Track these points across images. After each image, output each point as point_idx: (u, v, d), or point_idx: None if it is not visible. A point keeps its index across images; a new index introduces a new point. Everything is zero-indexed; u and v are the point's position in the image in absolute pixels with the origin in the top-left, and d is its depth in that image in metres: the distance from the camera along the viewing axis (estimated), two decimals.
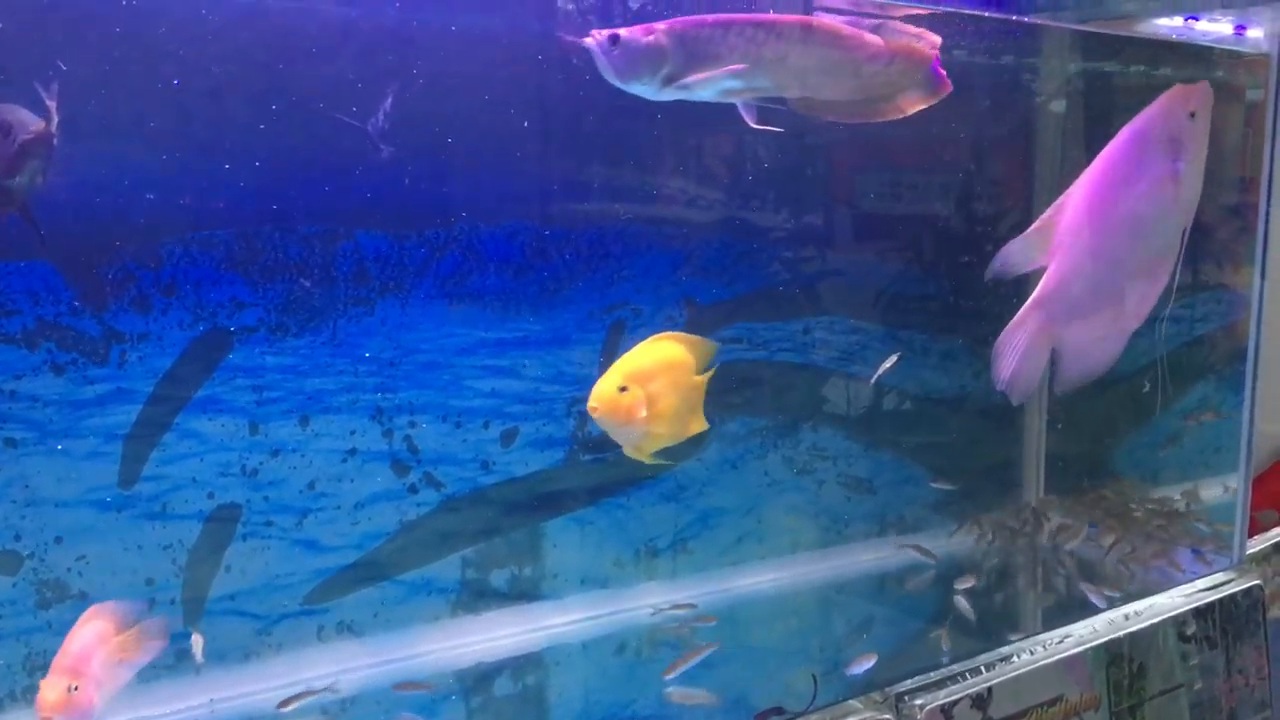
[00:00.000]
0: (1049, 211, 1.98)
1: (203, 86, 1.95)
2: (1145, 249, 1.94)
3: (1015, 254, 1.96)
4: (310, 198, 2.08)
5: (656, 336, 1.86)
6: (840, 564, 2.73)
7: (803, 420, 2.68)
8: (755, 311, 2.58)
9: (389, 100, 2.00)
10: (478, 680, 2.28)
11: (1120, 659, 2.30)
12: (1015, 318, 1.95)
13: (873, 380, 2.61)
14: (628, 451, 1.82)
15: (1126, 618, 2.40)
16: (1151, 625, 2.37)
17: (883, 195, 2.72)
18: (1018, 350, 1.95)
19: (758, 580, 2.64)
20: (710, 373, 1.91)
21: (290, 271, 2.08)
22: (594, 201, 2.35)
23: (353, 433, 2.17)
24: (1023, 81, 2.90)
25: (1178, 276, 2.00)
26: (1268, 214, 2.65)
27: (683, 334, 1.89)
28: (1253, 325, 2.71)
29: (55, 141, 1.62)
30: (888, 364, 2.50)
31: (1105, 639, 2.29)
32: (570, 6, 2.25)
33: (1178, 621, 2.41)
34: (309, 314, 2.11)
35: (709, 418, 2.53)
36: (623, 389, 1.74)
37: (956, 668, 2.17)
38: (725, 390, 2.57)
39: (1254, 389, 2.73)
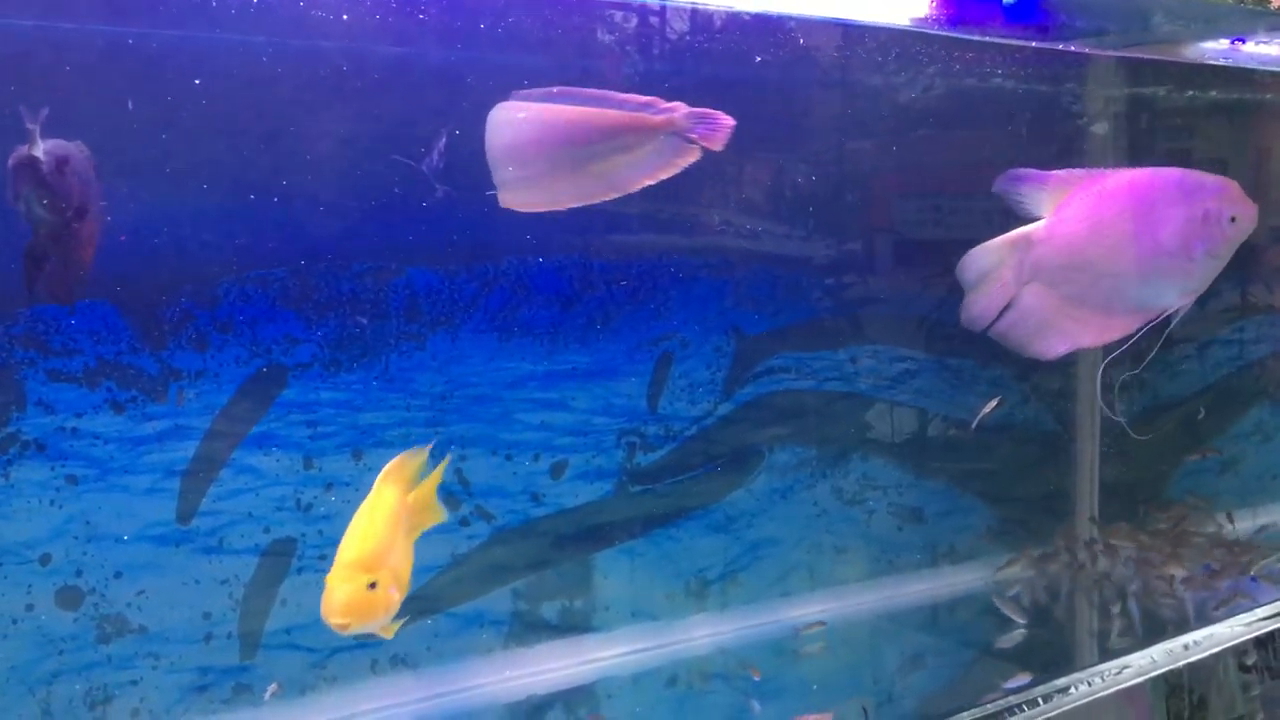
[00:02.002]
0: (1079, 173, 1.99)
1: (257, 129, 1.99)
2: (1129, 285, 1.95)
3: (1029, 190, 1.97)
4: (362, 235, 2.11)
5: (375, 490, 1.68)
6: (891, 594, 2.71)
7: (851, 450, 2.67)
8: (802, 341, 2.58)
9: (443, 140, 2.02)
10: (530, 713, 2.28)
11: (1180, 690, 2.26)
12: (995, 240, 1.96)
13: (974, 425, 2.59)
14: (381, 633, 1.58)
15: (1185, 648, 2.37)
16: (1211, 655, 2.33)
17: (927, 222, 2.72)
18: (983, 271, 1.96)
19: (808, 611, 2.63)
20: (434, 476, 1.79)
21: (343, 308, 2.11)
22: (640, 234, 2.37)
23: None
24: (1065, 106, 2.90)
25: (1149, 345, 2.02)
26: None
27: (394, 464, 1.71)
28: None
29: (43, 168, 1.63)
30: (989, 407, 2.50)
31: (1164, 669, 2.26)
32: (609, 39, 2.28)
33: (1238, 651, 2.37)
34: (362, 349, 2.13)
35: (759, 448, 2.55)
36: (372, 585, 1.51)
37: (1013, 699, 2.15)
38: (773, 421, 2.58)
39: None
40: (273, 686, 2.02)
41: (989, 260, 1.99)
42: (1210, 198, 1.92)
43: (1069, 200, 1.97)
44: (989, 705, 2.13)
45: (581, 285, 2.33)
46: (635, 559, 2.44)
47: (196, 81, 1.91)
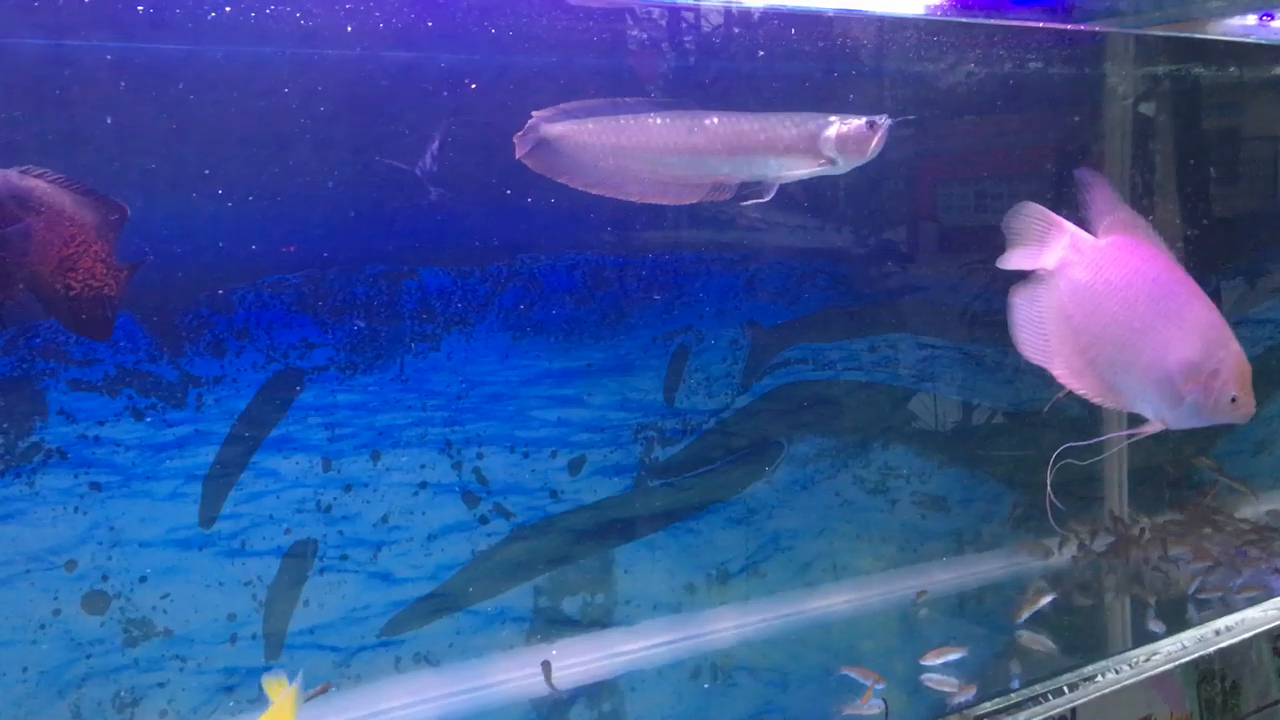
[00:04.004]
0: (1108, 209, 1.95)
1: (268, 136, 2.01)
2: (1108, 368, 1.90)
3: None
4: (375, 238, 2.13)
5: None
6: (917, 584, 2.70)
7: (873, 439, 2.67)
8: (820, 332, 2.58)
9: (435, 144, 2.04)
10: (553, 708, 2.30)
11: (1211, 675, 2.23)
12: (1051, 217, 1.92)
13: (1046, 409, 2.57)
14: None
15: (1217, 633, 2.33)
16: (1244, 640, 2.30)
17: (947, 209, 2.71)
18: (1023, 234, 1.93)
19: (832, 602, 2.63)
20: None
21: (358, 311, 2.14)
22: (653, 229, 2.38)
23: (423, 466, 2.21)
24: (1090, 88, 2.87)
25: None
26: None
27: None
28: None
29: None
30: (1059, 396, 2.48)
31: (1195, 655, 2.23)
32: (638, 34, 2.29)
33: (1272, 635, 2.34)
34: (377, 352, 2.16)
35: (778, 439, 2.55)
36: None
37: (1038, 688, 2.14)
38: (792, 411, 2.58)
39: None
40: (324, 686, 2.04)
41: (1034, 228, 1.94)
42: (1226, 363, 1.82)
43: (1099, 247, 1.92)
44: (1014, 694, 2.12)
45: (595, 282, 2.34)
46: (656, 553, 2.45)
47: (209, 91, 1.95)
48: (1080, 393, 1.95)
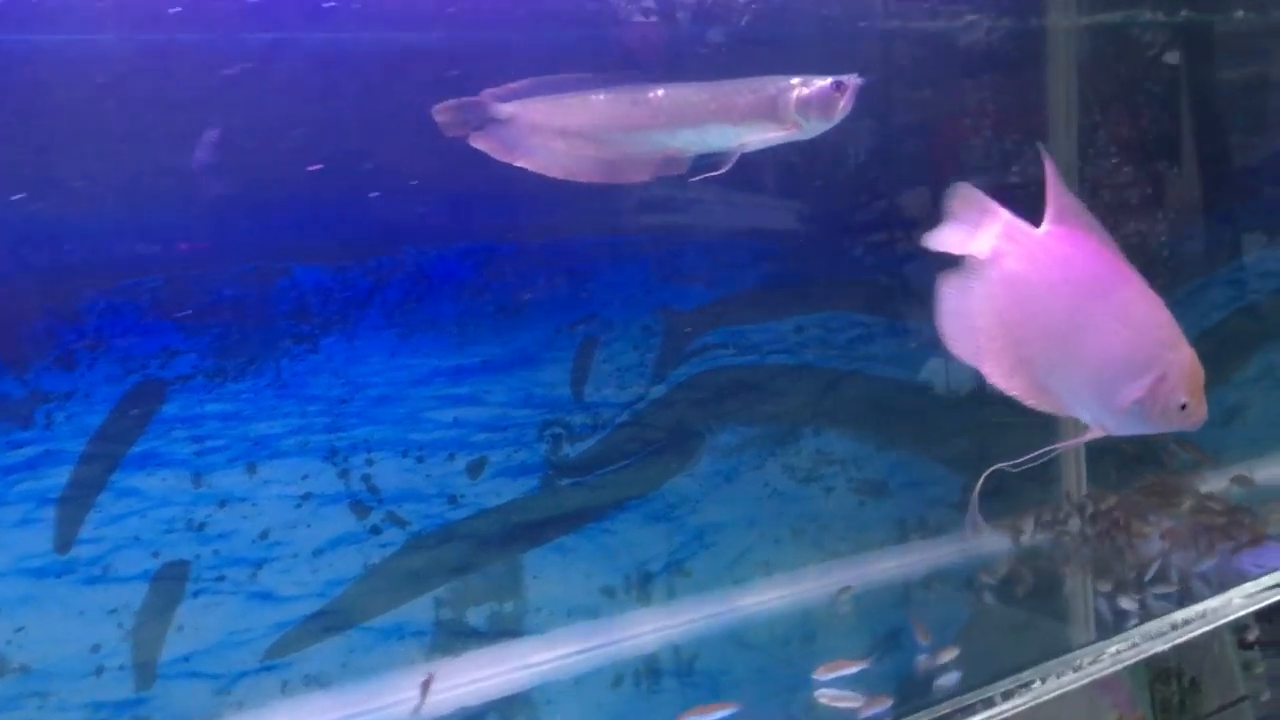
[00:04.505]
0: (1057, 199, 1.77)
1: (115, 130, 1.86)
2: (1043, 369, 1.71)
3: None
4: (241, 234, 1.98)
5: None
6: (856, 574, 2.56)
7: (803, 425, 2.51)
8: (742, 314, 2.42)
9: (214, 133, 1.88)
10: None
11: (1167, 674, 2.08)
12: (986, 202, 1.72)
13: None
14: None
15: (1174, 627, 2.16)
16: (1203, 634, 2.12)
17: (874, 180, 2.53)
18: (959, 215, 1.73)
19: (764, 599, 2.49)
20: None
21: (225, 313, 1.98)
22: (552, 214, 2.21)
23: (305, 476, 2.07)
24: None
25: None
26: None
27: None
28: None
29: None
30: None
31: (1146, 654, 2.06)
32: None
33: (1236, 627, 2.16)
34: (248, 356, 2.01)
35: (699, 430, 2.40)
36: None
37: (969, 698, 2.00)
38: (714, 399, 2.43)
39: None
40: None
41: (966, 212, 1.77)
42: (1175, 366, 1.64)
43: (1036, 237, 1.75)
44: (943, 706, 1.98)
45: (489, 271, 2.18)
46: (568, 556, 2.31)
47: (51, 85, 1.79)
48: (1012, 394, 1.78)
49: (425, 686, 2.05)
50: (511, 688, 2.25)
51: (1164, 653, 2.05)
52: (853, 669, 2.12)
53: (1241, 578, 2.35)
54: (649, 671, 2.36)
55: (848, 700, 2.02)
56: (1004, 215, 1.76)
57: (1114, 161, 2.77)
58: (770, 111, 1.71)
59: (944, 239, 1.78)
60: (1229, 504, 2.64)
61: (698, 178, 1.75)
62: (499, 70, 1.70)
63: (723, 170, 1.72)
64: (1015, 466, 2.05)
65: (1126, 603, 2.27)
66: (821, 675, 2.11)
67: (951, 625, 2.53)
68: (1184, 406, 1.64)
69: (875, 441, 2.60)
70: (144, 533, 1.95)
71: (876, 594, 2.57)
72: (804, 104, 1.70)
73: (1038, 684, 2.03)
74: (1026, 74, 2.68)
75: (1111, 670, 2.00)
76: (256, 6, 1.93)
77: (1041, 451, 2.15)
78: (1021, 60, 2.67)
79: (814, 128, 1.73)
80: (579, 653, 2.31)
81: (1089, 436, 1.76)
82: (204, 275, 1.96)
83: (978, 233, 1.75)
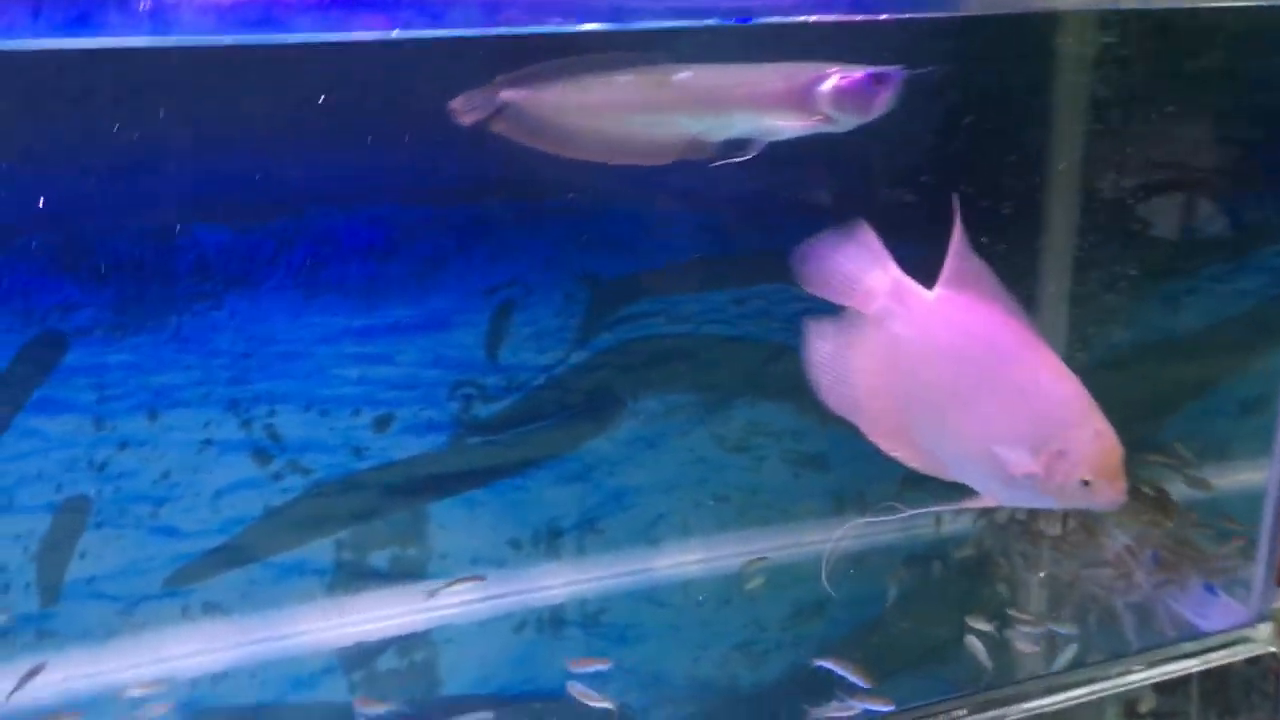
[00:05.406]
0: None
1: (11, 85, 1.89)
2: (937, 444, 1.63)
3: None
4: (142, 193, 2.01)
5: None
6: (784, 544, 2.55)
7: (736, 396, 2.46)
8: (675, 284, 2.36)
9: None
10: (360, 659, 2.31)
11: None
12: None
13: None
14: None
15: (1048, 691, 2.02)
16: (1073, 705, 2.00)
17: (821, 148, 2.36)
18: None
19: (681, 561, 2.51)
20: None
21: (125, 270, 2.05)
22: (468, 177, 2.17)
23: (207, 424, 2.16)
24: None
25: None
26: None
27: None
28: None
29: None
30: None
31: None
32: None
33: (1124, 699, 2.02)
34: (149, 311, 2.08)
35: (620, 395, 2.39)
36: None
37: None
38: (639, 366, 2.39)
39: None
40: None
41: (854, 261, 1.69)
42: (1077, 444, 1.51)
43: (927, 302, 1.64)
44: None
45: (400, 235, 2.17)
46: (476, 509, 2.37)
47: None
48: (895, 456, 1.72)
49: (29, 675, 2.06)
50: (411, 627, 2.36)
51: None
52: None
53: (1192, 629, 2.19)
54: (554, 621, 2.44)
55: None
56: (894, 272, 1.67)
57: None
58: (801, 102, 1.65)
59: (824, 286, 1.70)
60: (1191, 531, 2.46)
61: (720, 163, 1.70)
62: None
63: (745, 158, 1.68)
64: (881, 517, 2.00)
65: (1024, 643, 2.16)
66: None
67: (878, 601, 2.52)
68: (1088, 484, 1.55)
69: (818, 415, 2.51)
70: (46, 470, 2.09)
71: (806, 566, 2.56)
72: (839, 96, 1.63)
73: None
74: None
75: None
76: None
77: (919, 511, 2.09)
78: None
79: (848, 121, 1.66)
80: (483, 599, 2.40)
81: (979, 504, 1.69)
82: (104, 232, 2.02)
83: (863, 286, 1.67)
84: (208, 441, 2.17)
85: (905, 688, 2.11)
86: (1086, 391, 1.59)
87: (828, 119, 1.65)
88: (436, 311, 2.23)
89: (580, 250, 2.28)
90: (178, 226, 2.05)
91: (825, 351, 1.72)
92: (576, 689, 2.10)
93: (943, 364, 1.65)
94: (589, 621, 2.46)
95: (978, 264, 1.65)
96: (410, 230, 2.17)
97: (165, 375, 2.12)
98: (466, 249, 2.21)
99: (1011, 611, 2.28)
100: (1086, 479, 1.52)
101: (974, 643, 2.16)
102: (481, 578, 2.38)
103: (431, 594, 2.34)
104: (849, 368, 1.71)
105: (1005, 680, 2.09)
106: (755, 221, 2.35)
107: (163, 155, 1.98)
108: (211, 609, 2.25)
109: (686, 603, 2.51)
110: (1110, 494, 1.54)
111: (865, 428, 1.73)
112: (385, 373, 2.24)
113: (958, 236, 1.63)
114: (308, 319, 2.16)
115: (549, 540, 2.43)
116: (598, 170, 2.09)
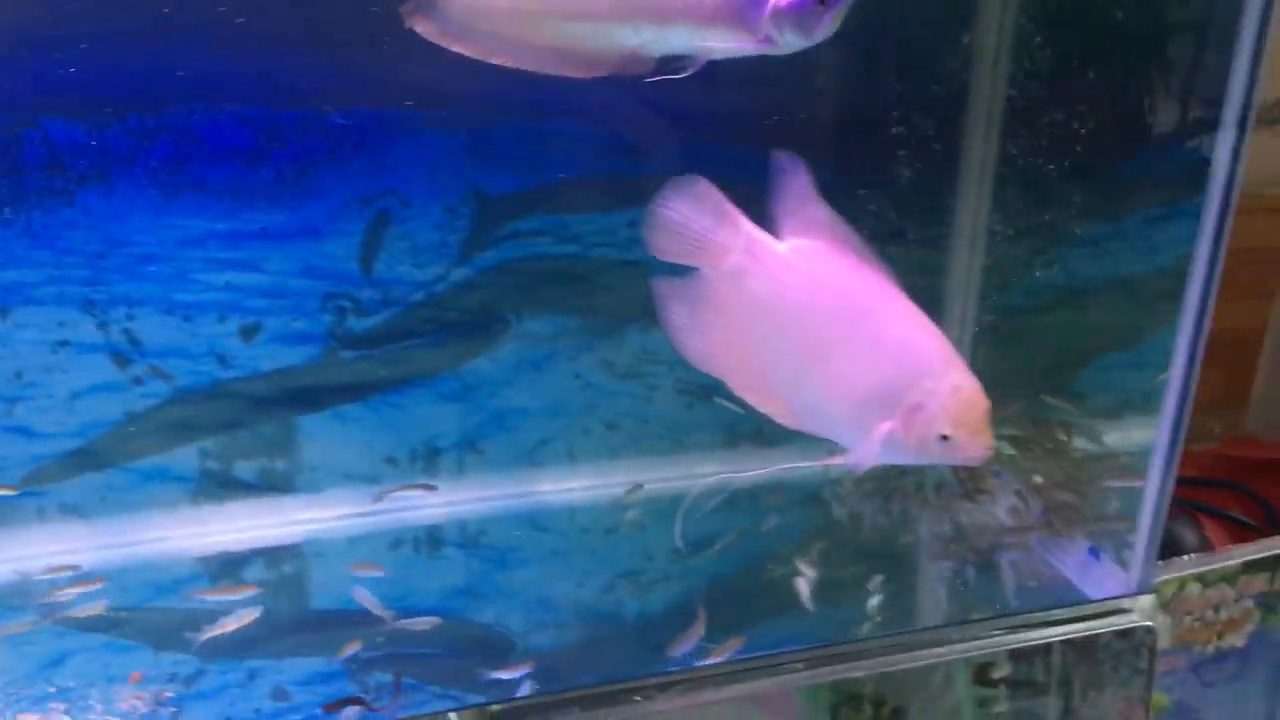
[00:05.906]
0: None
1: None
2: (801, 398, 1.57)
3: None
4: None
5: None
6: (674, 475, 2.48)
7: (629, 322, 2.37)
8: (566, 203, 2.24)
9: None
10: (224, 567, 2.27)
11: (858, 699, 1.87)
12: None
13: None
14: None
15: (902, 649, 1.86)
16: (927, 665, 1.92)
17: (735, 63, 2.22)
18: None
19: (566, 486, 2.45)
20: None
21: None
22: (344, 80, 2.04)
23: (61, 324, 2.09)
24: None
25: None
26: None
27: None
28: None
29: None
30: None
31: (828, 677, 1.87)
32: None
33: (971, 663, 1.93)
34: None
35: (504, 315, 2.30)
36: None
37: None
38: (525, 287, 2.30)
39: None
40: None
41: (700, 219, 1.60)
42: (936, 396, 1.46)
43: (778, 254, 1.56)
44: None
45: (268, 139, 2.06)
46: (349, 424, 2.30)
47: None
48: (766, 413, 1.65)
49: None
50: (280, 540, 2.31)
51: (856, 679, 1.90)
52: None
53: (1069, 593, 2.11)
54: (430, 540, 2.40)
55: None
56: (745, 226, 1.58)
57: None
58: (741, 19, 1.53)
59: (669, 247, 1.62)
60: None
61: (656, 78, 1.57)
62: None
63: (685, 74, 1.56)
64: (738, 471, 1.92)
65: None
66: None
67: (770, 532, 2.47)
68: (946, 438, 1.48)
69: None
70: None
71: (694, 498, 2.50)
72: (779, 18, 1.51)
73: (659, 699, 1.77)
74: None
75: (767, 685, 1.85)
76: None
77: (777, 468, 2.02)
78: None
79: (790, 43, 1.54)
80: (355, 515, 2.35)
81: (844, 460, 1.62)
82: None
83: (711, 245, 1.59)
84: (63, 342, 2.10)
85: (764, 636, 2.07)
86: (947, 342, 1.53)
87: (770, 40, 1.53)
88: (307, 219, 2.13)
89: (465, 163, 2.16)
90: (24, 117, 1.94)
91: (677, 316, 1.65)
92: (361, 594, 2.10)
93: (798, 318, 1.58)
94: (468, 543, 2.41)
95: (826, 210, 1.57)
96: (279, 133, 2.06)
97: (15, 272, 2.03)
98: (340, 156, 2.09)
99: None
100: (946, 433, 1.46)
101: (802, 586, 2.11)
102: (433, 486, 2.34)
103: (378, 498, 2.31)
104: (704, 326, 1.63)
105: (860, 636, 2.04)
106: (656, 143, 2.22)
107: (9, 43, 1.86)
108: (69, 510, 2.20)
109: (572, 529, 2.46)
110: (972, 449, 1.48)
111: (733, 385, 1.66)
112: (252, 280, 2.15)
113: (802, 180, 1.54)
114: (170, 220, 2.06)
115: (426, 459, 2.36)
116: (488, 78, 1.96)
